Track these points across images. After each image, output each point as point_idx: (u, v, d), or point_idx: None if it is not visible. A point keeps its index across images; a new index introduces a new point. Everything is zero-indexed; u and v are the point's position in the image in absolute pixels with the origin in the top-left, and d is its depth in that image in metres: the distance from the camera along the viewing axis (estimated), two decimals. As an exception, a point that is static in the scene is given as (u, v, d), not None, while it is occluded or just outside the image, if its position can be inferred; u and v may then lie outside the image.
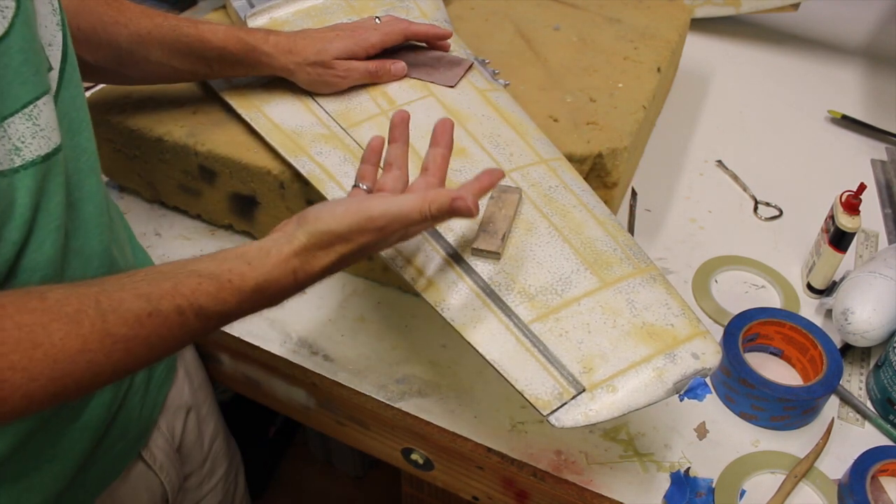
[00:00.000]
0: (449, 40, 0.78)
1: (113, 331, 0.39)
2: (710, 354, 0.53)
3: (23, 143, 0.44)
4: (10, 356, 0.36)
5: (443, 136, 0.57)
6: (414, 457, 0.70)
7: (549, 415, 0.51)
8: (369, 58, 0.73)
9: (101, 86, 0.84)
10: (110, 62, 0.67)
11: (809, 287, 0.76)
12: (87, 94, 0.82)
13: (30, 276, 0.46)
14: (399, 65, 0.73)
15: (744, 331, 0.68)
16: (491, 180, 0.53)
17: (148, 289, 0.42)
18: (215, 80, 0.77)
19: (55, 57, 0.49)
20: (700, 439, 0.64)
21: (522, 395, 0.52)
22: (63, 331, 0.38)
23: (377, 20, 0.76)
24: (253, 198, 0.75)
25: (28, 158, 0.44)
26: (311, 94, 0.74)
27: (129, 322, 0.40)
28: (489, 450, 0.64)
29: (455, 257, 0.59)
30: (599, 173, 0.73)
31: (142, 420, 0.63)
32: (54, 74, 0.48)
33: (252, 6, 0.84)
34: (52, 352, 0.37)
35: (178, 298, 0.43)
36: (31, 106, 0.44)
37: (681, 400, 0.52)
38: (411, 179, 0.58)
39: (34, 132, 0.44)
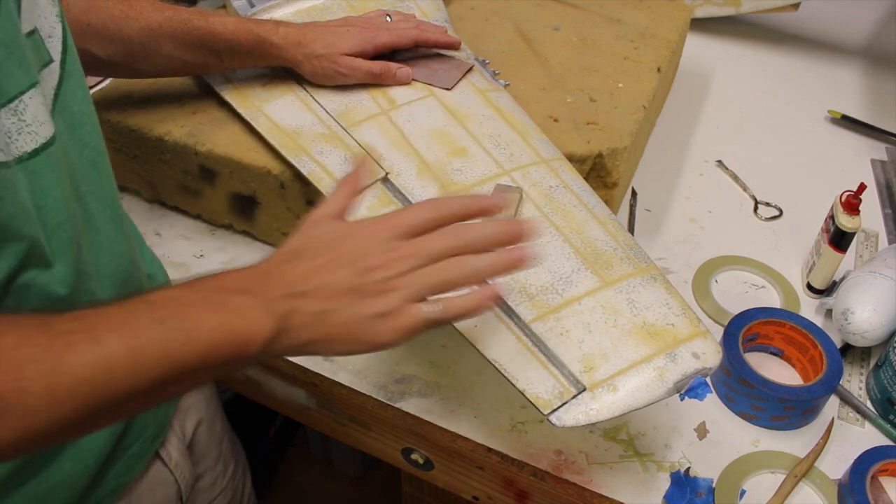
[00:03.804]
0: (459, 49, 0.78)
1: (51, 326, 0.38)
2: (710, 354, 0.53)
3: (9, 137, 0.42)
4: None
5: None
6: (414, 457, 0.70)
7: (549, 414, 0.51)
8: (377, 56, 0.73)
9: (101, 86, 0.84)
10: (122, 56, 0.67)
11: (809, 287, 0.76)
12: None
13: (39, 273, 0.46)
14: (404, 71, 0.73)
15: (744, 331, 0.68)
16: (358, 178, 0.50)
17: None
18: (216, 77, 0.77)
19: (55, 49, 0.48)
20: (700, 439, 0.64)
21: (523, 395, 0.52)
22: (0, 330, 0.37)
23: (388, 18, 0.76)
24: (253, 198, 0.75)
25: (14, 154, 0.43)
26: (312, 93, 0.74)
27: (68, 318, 0.39)
28: (489, 450, 0.64)
29: (455, 257, 0.59)
30: (599, 173, 0.73)
31: (157, 419, 0.63)
32: (55, 67, 0.48)
33: (252, 6, 0.84)
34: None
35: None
36: (17, 101, 0.43)
37: (681, 399, 0.52)
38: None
39: (19, 128, 0.43)
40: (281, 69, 0.76)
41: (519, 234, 0.48)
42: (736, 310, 0.71)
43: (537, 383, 0.52)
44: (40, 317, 0.38)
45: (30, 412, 0.36)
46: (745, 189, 0.90)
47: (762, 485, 0.62)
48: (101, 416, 0.39)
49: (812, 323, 0.69)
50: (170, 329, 0.40)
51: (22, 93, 0.43)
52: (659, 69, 0.83)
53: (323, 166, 0.67)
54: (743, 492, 0.61)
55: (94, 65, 0.67)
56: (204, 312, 0.41)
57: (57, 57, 0.48)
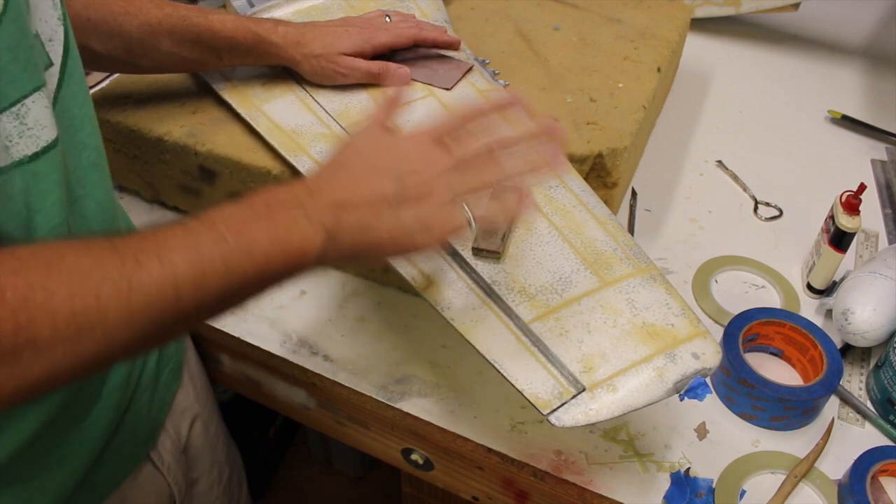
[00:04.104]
0: (458, 48, 0.78)
1: (120, 248, 0.40)
2: (710, 354, 0.53)
3: (10, 141, 0.43)
4: (29, 275, 0.36)
5: None
6: (414, 457, 0.70)
7: (549, 414, 0.51)
8: (376, 56, 0.73)
9: (101, 85, 0.84)
10: (121, 52, 0.67)
11: (809, 287, 0.76)
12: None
13: None
14: (403, 71, 0.73)
15: (744, 331, 0.68)
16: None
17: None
18: (216, 76, 0.77)
19: (56, 52, 0.48)
20: (700, 439, 0.64)
21: (522, 395, 0.52)
22: (74, 252, 0.38)
23: (387, 18, 0.76)
24: (253, 198, 0.75)
25: (15, 158, 0.43)
26: (311, 93, 0.74)
27: (135, 240, 0.41)
28: (489, 450, 0.63)
29: (455, 257, 0.59)
30: (599, 173, 0.73)
31: (150, 421, 0.63)
32: (55, 70, 0.48)
33: (252, 5, 0.84)
34: (66, 269, 0.37)
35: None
36: (19, 105, 0.43)
37: (681, 400, 0.52)
38: None
39: (20, 131, 0.43)
40: (280, 69, 0.76)
41: (548, 129, 0.50)
42: (736, 310, 0.71)
43: (537, 383, 0.52)
44: (108, 239, 0.40)
45: (110, 329, 0.38)
46: (745, 189, 0.90)
47: (762, 485, 0.62)
48: (172, 329, 0.42)
49: (812, 323, 0.69)
50: (229, 246, 0.42)
51: (25, 96, 0.43)
52: (659, 69, 0.83)
53: (323, 166, 0.66)
54: (743, 492, 0.61)
55: (94, 60, 0.68)
56: (259, 228, 0.43)
57: (57, 60, 0.48)
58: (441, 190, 0.47)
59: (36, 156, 0.45)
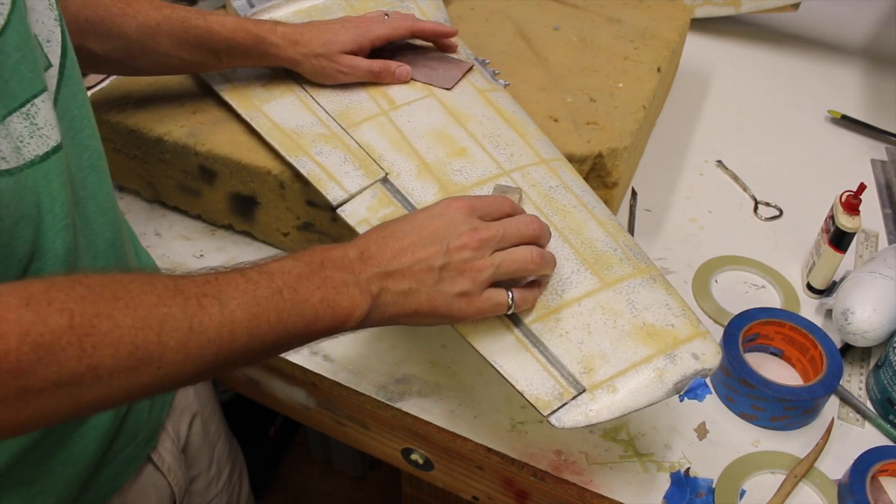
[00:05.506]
0: (454, 39, 0.78)
1: (184, 288, 0.41)
2: (710, 355, 0.53)
3: (21, 142, 0.43)
4: (97, 304, 0.37)
5: None
6: (414, 457, 0.70)
7: (549, 415, 0.51)
8: (375, 50, 0.73)
9: (101, 86, 0.84)
10: (119, 54, 0.67)
11: (809, 287, 0.76)
12: (88, 93, 0.82)
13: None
14: (404, 69, 0.73)
15: (744, 331, 0.68)
16: None
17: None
18: (216, 77, 0.77)
19: (54, 53, 0.48)
20: (700, 439, 0.64)
21: (523, 396, 0.52)
22: (140, 287, 0.40)
23: (386, 16, 0.76)
24: (253, 198, 0.75)
25: (27, 158, 0.43)
26: (311, 93, 0.74)
27: (198, 282, 0.42)
28: (489, 450, 0.64)
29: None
30: (599, 173, 0.73)
31: (150, 422, 0.63)
32: (53, 71, 0.48)
33: (252, 6, 0.84)
34: (132, 303, 0.39)
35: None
36: (29, 104, 0.43)
37: (681, 400, 0.52)
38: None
39: (31, 131, 0.44)
40: (280, 69, 0.76)
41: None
42: (736, 310, 0.71)
43: (537, 384, 0.52)
44: (172, 278, 0.42)
45: (166, 364, 0.40)
46: (745, 189, 0.90)
47: (762, 485, 0.62)
48: (219, 370, 0.44)
49: (812, 323, 0.69)
50: (284, 300, 0.44)
51: (34, 96, 0.44)
52: (659, 69, 0.83)
53: (322, 167, 0.67)
54: (743, 492, 0.61)
55: (92, 62, 0.67)
56: (312, 286, 0.46)
57: (56, 61, 0.48)
58: (483, 268, 0.50)
59: (46, 156, 0.45)
